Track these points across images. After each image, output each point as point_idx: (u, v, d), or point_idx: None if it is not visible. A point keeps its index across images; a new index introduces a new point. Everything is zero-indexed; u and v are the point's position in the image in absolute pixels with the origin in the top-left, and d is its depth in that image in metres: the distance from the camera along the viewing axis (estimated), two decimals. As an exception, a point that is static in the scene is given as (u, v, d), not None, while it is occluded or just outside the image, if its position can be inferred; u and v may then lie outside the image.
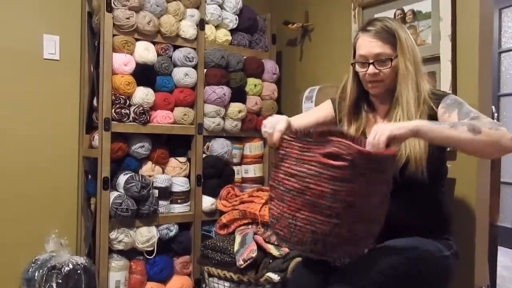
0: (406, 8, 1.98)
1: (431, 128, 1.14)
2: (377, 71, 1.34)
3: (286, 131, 1.19)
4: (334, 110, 1.53)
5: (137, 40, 2.12)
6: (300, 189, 1.07)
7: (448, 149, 1.41)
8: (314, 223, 1.06)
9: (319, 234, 1.06)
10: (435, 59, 1.83)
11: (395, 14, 2.02)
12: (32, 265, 1.95)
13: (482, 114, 1.23)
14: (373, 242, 1.19)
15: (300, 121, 1.46)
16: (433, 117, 1.29)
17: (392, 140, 1.11)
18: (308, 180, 1.05)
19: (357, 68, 1.40)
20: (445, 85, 1.78)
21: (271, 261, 1.83)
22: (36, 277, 1.89)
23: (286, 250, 1.86)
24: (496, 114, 3.82)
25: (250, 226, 2.05)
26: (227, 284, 1.91)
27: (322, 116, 1.54)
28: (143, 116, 2.10)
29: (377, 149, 1.08)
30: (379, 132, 1.11)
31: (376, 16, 2.02)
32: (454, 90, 1.76)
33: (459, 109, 1.26)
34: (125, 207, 2.00)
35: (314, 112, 1.60)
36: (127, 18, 2.05)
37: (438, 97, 1.33)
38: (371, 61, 1.34)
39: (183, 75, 2.21)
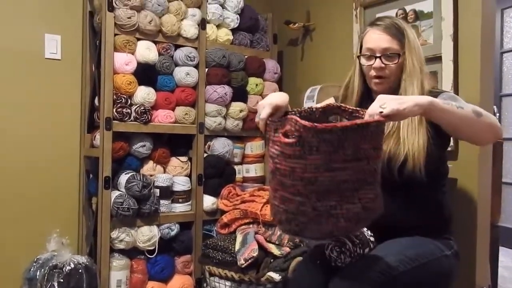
0: (408, 8, 1.98)
1: (443, 107, 1.15)
2: (383, 65, 1.34)
3: (277, 113, 1.15)
4: None
5: (138, 39, 2.12)
6: (273, 170, 1.08)
7: (449, 148, 1.41)
8: (285, 201, 1.07)
9: (289, 212, 1.07)
10: (437, 59, 1.83)
11: (396, 13, 2.02)
12: (34, 264, 1.95)
13: None
14: (361, 226, 1.12)
15: None
16: None
17: (395, 117, 1.07)
18: (276, 160, 1.06)
19: (363, 61, 1.40)
20: (446, 85, 1.78)
21: (272, 260, 1.83)
22: (37, 277, 1.89)
23: (287, 249, 1.86)
24: (498, 115, 3.82)
25: (251, 226, 2.05)
26: (228, 283, 1.91)
27: None
28: (144, 115, 2.10)
29: (372, 119, 1.04)
30: (386, 103, 1.06)
31: (377, 16, 2.02)
32: (456, 90, 1.75)
33: (455, 102, 1.26)
34: (126, 206, 2.00)
35: None
36: (128, 18, 2.05)
37: (436, 94, 1.33)
38: (378, 55, 1.34)
39: (185, 74, 2.22)
